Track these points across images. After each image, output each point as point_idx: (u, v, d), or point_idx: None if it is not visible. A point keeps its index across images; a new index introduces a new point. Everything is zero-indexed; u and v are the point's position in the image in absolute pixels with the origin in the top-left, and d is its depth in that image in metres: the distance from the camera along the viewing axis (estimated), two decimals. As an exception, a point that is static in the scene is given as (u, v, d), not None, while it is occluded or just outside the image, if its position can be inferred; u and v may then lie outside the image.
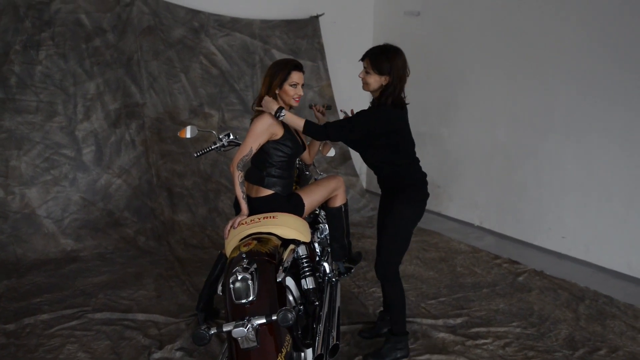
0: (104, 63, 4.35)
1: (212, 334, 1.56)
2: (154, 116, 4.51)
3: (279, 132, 2.17)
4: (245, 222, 2.09)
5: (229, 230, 2.11)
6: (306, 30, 5.32)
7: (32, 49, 4.11)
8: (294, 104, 2.24)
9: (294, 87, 2.20)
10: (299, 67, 2.22)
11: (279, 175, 2.21)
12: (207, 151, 2.67)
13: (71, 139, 4.21)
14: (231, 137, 2.67)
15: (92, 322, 2.74)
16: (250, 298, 1.63)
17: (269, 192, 2.19)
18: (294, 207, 2.20)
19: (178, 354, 2.40)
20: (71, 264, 3.62)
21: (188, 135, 2.70)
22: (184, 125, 4.12)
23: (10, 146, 4.00)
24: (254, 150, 2.15)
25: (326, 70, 5.41)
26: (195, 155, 2.69)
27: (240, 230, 2.06)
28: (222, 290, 1.81)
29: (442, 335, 2.65)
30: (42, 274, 3.45)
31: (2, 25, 4.02)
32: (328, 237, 2.57)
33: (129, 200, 4.28)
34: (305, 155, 2.60)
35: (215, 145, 2.65)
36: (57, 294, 3.11)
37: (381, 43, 2.33)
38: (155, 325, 2.70)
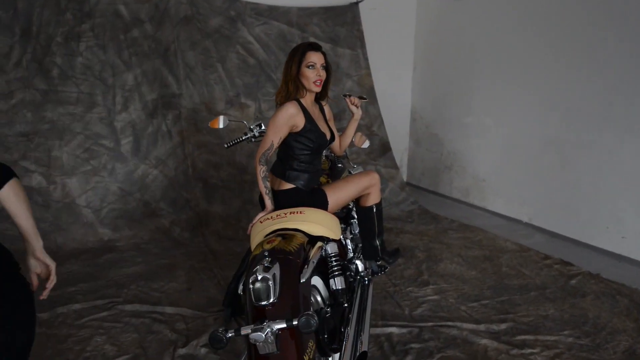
0: (142, 54, 4.36)
1: (229, 337, 1.45)
2: (191, 107, 4.48)
3: (300, 124, 2.03)
4: (271, 217, 1.97)
5: (253, 226, 2.00)
6: (345, 18, 5.14)
7: (73, 40, 4.16)
8: (315, 88, 2.07)
9: (312, 68, 2.04)
10: (314, 47, 2.06)
11: (302, 169, 2.08)
12: (238, 142, 2.58)
13: (110, 129, 4.25)
14: (262, 127, 2.56)
15: (121, 313, 2.72)
16: (271, 300, 1.51)
17: (290, 186, 2.07)
18: (317, 203, 2.06)
19: (203, 350, 2.33)
20: (107, 254, 3.65)
21: (221, 126, 2.62)
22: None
23: (52, 137, 4.09)
24: (276, 144, 2.01)
25: (366, 58, 5.21)
26: (226, 146, 2.60)
27: (265, 226, 1.95)
28: (243, 290, 1.71)
29: (484, 342, 2.44)
30: (80, 263, 3.49)
31: (44, 18, 4.09)
32: (360, 234, 2.42)
33: (165, 191, 4.29)
34: (335, 146, 2.44)
35: (247, 136, 2.55)
36: (92, 284, 3.13)
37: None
38: (183, 319, 2.65)
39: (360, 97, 2.41)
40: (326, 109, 2.31)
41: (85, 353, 2.33)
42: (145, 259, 3.57)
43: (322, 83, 2.08)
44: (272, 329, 1.44)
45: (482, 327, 2.59)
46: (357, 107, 2.37)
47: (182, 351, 2.33)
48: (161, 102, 4.41)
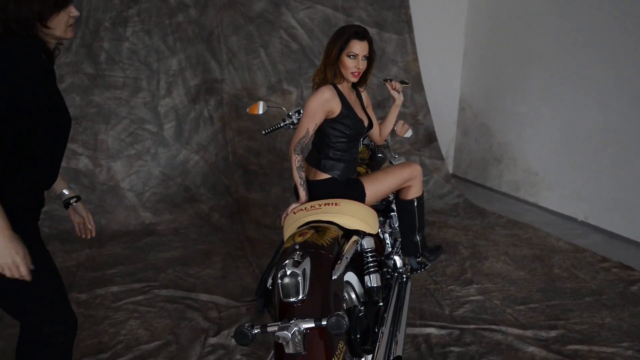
0: (186, 39, 4.36)
1: (255, 333, 1.38)
2: (232, 92, 4.46)
3: (336, 109, 1.91)
4: (305, 208, 1.88)
5: (286, 217, 1.92)
6: (393, 1, 4.93)
7: (120, 25, 4.21)
8: (352, 79, 1.94)
9: (353, 58, 1.90)
10: (360, 35, 1.90)
11: (338, 158, 1.96)
12: (276, 128, 2.50)
13: (154, 114, 4.29)
14: (302, 114, 2.47)
15: (157, 298, 2.74)
16: (300, 297, 1.43)
17: (325, 176, 1.96)
18: (353, 194, 1.95)
19: (233, 341, 2.29)
20: (147, 237, 3.70)
21: (260, 112, 2.54)
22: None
23: (99, 120, 4.17)
24: (311, 131, 1.91)
25: (413, 44, 5.00)
26: (264, 132, 2.53)
27: (298, 217, 1.86)
28: (272, 284, 1.63)
29: (531, 349, 2.27)
30: (121, 245, 3.56)
31: (93, 3, 4.15)
32: (400, 229, 2.28)
33: (205, 177, 4.30)
34: (375, 134, 2.31)
35: (285, 123, 2.47)
36: (130, 267, 3.17)
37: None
38: (216, 307, 2.63)
39: (402, 82, 2.26)
40: (363, 95, 2.19)
41: (120, 336, 2.34)
42: (184, 244, 3.59)
43: (361, 75, 1.96)
44: (300, 328, 1.36)
45: (529, 333, 2.41)
46: (399, 92, 2.23)
47: (212, 340, 2.31)
48: (204, 88, 4.40)
